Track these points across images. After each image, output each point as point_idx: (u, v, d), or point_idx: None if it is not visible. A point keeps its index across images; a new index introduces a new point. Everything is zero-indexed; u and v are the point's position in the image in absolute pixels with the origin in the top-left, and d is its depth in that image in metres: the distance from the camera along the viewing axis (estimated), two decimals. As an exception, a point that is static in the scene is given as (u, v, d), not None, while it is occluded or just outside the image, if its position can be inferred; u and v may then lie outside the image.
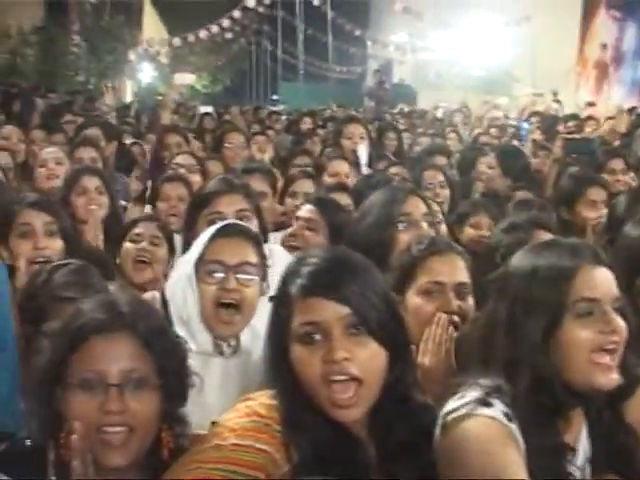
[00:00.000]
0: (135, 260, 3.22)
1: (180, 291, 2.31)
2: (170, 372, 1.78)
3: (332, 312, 1.67)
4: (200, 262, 2.30)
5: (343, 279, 1.70)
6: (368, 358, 1.68)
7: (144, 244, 3.25)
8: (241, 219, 2.74)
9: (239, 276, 2.28)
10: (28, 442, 1.85)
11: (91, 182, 3.70)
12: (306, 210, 3.29)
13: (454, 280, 2.34)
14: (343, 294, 1.68)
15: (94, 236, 3.47)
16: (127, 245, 3.26)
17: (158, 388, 1.77)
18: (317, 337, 1.67)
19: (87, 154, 4.61)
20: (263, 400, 1.74)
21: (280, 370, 1.72)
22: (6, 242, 2.83)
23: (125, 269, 3.23)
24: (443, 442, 1.67)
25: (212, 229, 2.38)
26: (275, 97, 27.95)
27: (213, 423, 1.76)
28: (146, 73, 22.81)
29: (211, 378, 2.19)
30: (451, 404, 1.70)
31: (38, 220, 2.87)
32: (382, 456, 1.72)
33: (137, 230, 3.30)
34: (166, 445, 1.79)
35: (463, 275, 2.38)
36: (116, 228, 3.50)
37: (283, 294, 1.75)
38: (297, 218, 3.32)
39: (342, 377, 1.65)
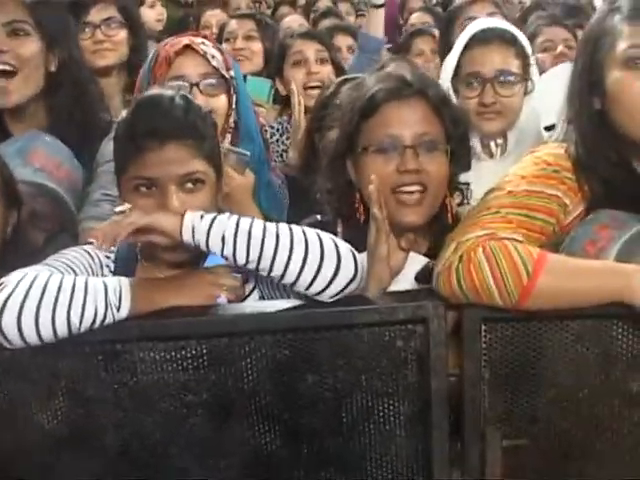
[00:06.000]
0: None
1: None
2: (456, 138, 1.93)
3: None
4: None
5: None
6: None
7: None
8: None
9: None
10: (318, 217, 2.08)
11: None
12: None
13: None
14: None
15: None
16: None
17: (446, 152, 1.90)
18: None
19: None
20: (550, 150, 1.81)
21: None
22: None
23: None
24: None
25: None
26: None
27: None
28: None
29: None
30: None
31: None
32: None
33: None
34: (450, 210, 1.93)
35: None
36: None
37: None
38: None
39: None
